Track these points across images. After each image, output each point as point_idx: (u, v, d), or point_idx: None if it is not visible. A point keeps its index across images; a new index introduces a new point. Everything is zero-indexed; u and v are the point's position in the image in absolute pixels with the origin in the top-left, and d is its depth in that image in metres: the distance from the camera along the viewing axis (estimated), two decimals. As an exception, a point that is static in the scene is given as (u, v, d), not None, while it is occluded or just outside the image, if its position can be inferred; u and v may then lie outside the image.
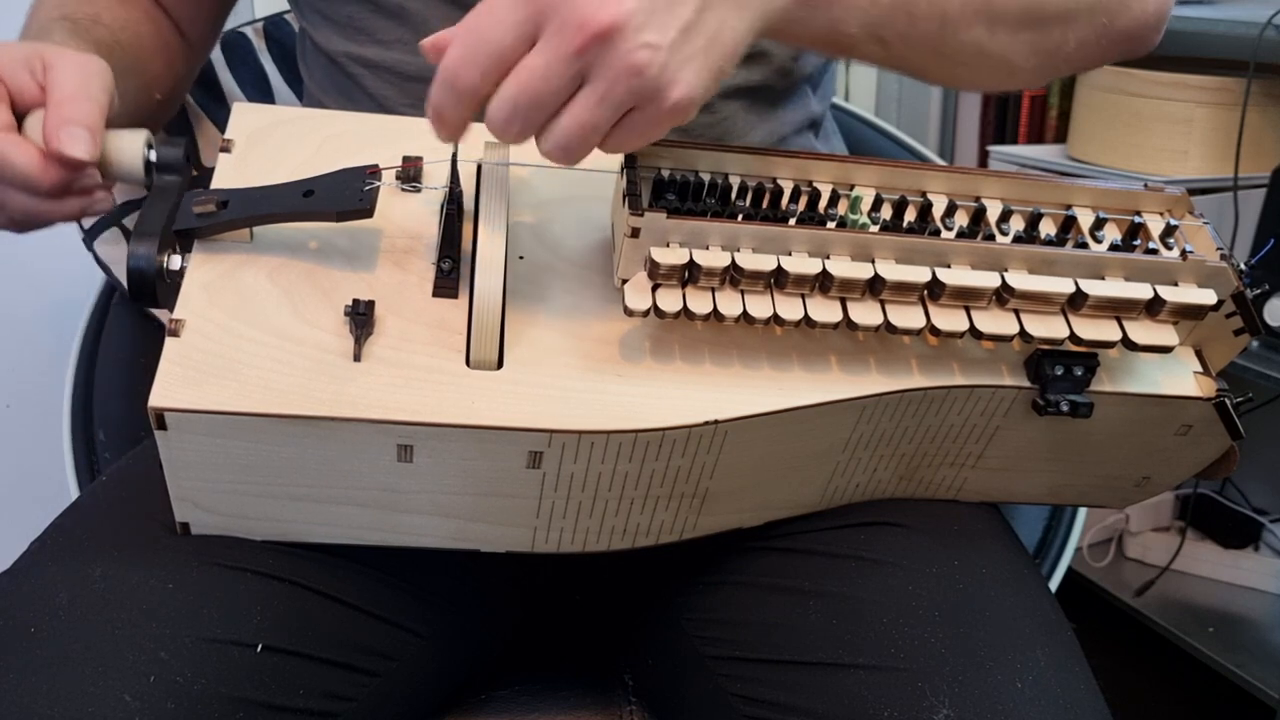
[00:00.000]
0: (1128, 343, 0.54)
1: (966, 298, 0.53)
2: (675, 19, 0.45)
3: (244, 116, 0.61)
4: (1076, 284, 0.53)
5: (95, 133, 0.53)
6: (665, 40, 0.45)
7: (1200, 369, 0.59)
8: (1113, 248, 0.55)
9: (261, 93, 0.92)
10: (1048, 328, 0.53)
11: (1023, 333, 0.53)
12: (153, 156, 0.56)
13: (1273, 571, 1.46)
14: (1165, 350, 0.54)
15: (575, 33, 0.44)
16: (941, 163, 0.98)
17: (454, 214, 0.55)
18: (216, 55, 0.91)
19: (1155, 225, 0.56)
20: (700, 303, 0.52)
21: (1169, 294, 0.54)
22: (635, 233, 0.51)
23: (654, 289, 0.52)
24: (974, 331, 0.53)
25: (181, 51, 0.77)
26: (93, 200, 0.56)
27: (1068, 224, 0.56)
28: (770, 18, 0.50)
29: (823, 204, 0.54)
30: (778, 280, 0.52)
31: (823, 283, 0.52)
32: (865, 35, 0.54)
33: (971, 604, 0.57)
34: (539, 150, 0.48)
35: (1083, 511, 0.89)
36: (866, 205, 0.55)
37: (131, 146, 0.56)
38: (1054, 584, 0.85)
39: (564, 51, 0.44)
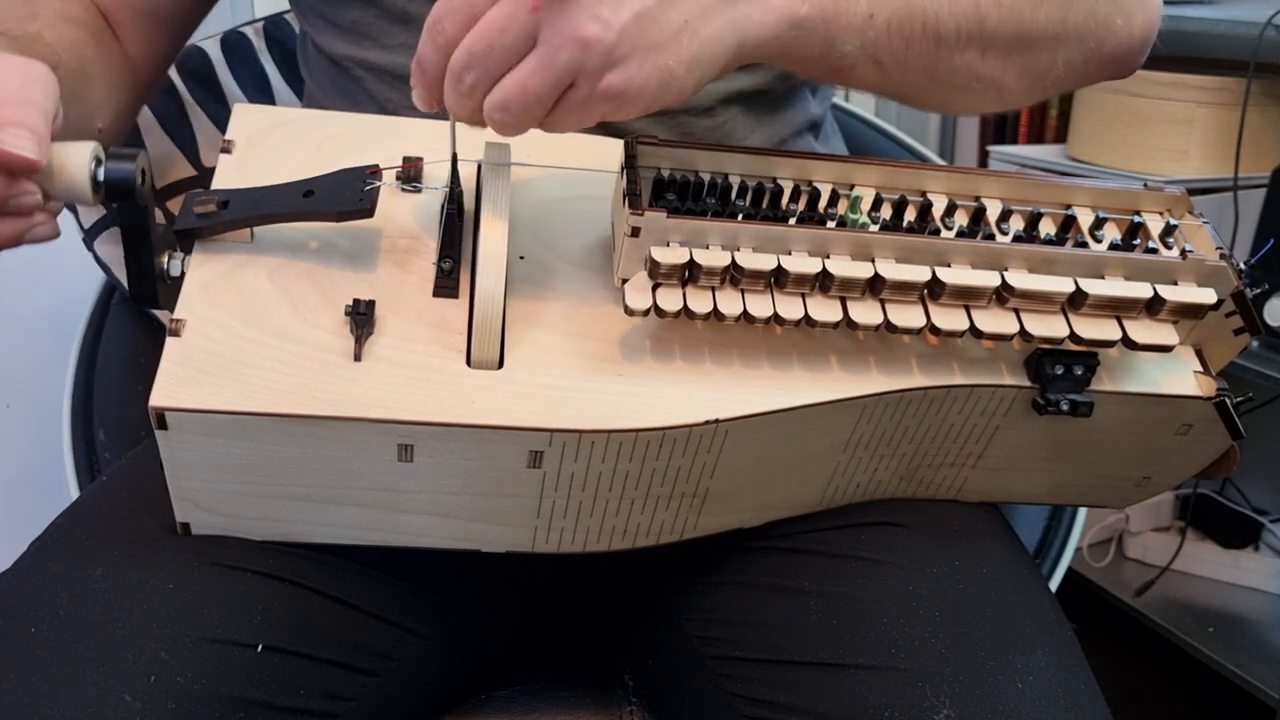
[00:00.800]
0: (1128, 342, 0.54)
1: (966, 297, 0.53)
2: (635, 4, 0.46)
3: (244, 117, 0.61)
4: (1076, 283, 0.53)
5: (40, 137, 0.48)
6: (617, 21, 0.46)
7: (1200, 368, 0.59)
8: (1112, 247, 0.55)
9: (262, 93, 0.92)
10: (1048, 327, 0.53)
11: (1023, 332, 0.53)
12: (101, 174, 0.50)
13: (1273, 571, 1.46)
14: (1165, 349, 0.54)
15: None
16: (941, 163, 0.98)
17: (454, 214, 0.55)
18: (216, 55, 0.91)
19: (1155, 225, 0.56)
20: (700, 302, 0.52)
21: (1169, 293, 0.54)
22: (635, 232, 0.51)
23: (654, 288, 0.52)
24: (974, 331, 0.53)
25: (128, 80, 0.72)
26: (30, 223, 0.51)
27: (1067, 223, 0.56)
28: (753, 36, 0.50)
29: (823, 204, 0.54)
30: (778, 280, 0.52)
31: (823, 282, 0.52)
32: (862, 57, 0.55)
33: (972, 604, 0.57)
34: (483, 112, 0.48)
35: (1083, 511, 0.89)
36: (866, 205, 0.55)
37: (77, 159, 0.50)
38: (1054, 584, 0.85)
39: (521, 5, 0.45)
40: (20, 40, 0.61)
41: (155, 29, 0.74)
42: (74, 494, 0.84)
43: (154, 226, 0.53)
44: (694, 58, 0.48)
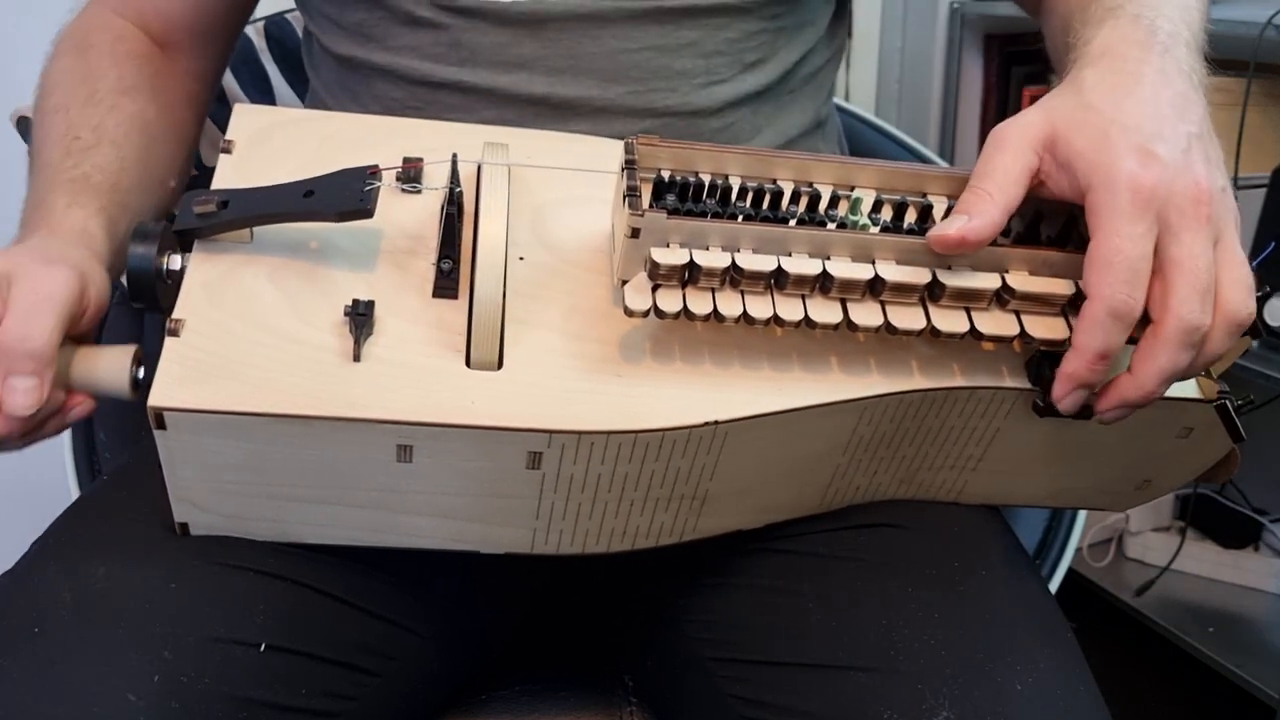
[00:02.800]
0: (1129, 343, 0.54)
1: (967, 299, 0.53)
2: (1216, 158, 0.52)
3: (244, 117, 0.61)
4: (1077, 285, 0.53)
5: (43, 374, 0.53)
6: (1224, 179, 0.52)
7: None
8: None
9: (262, 93, 0.92)
10: (1048, 329, 0.53)
11: (1023, 334, 0.53)
12: (140, 374, 0.55)
13: (1273, 571, 1.46)
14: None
15: (1197, 207, 0.49)
16: (942, 163, 0.98)
17: (454, 214, 0.55)
18: (217, 55, 0.90)
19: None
20: (700, 303, 0.52)
21: (1169, 295, 0.54)
22: (635, 233, 0.51)
23: (654, 289, 0.52)
24: (974, 333, 0.53)
25: (191, 116, 0.76)
26: (65, 413, 0.56)
27: (1069, 224, 0.55)
28: None
29: (823, 205, 0.54)
30: (778, 281, 0.52)
31: (823, 283, 0.52)
32: None
33: (971, 606, 0.57)
34: (1236, 317, 0.51)
35: (1083, 512, 0.89)
36: (867, 207, 0.55)
37: (117, 367, 0.55)
38: (1054, 584, 0.85)
39: (1203, 226, 0.49)
40: (83, 166, 0.64)
41: (211, 44, 0.77)
42: (74, 494, 0.84)
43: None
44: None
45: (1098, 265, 0.49)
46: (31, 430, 0.55)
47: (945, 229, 0.51)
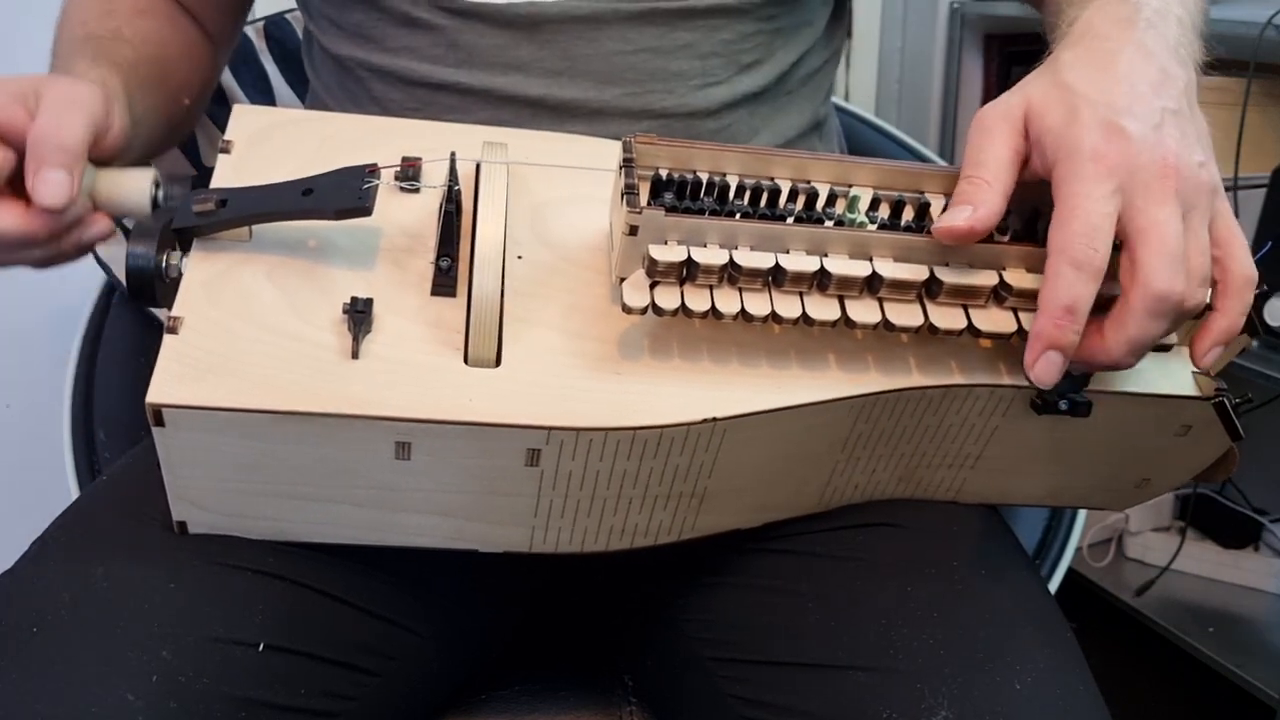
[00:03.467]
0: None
1: (964, 296, 0.53)
2: (1194, 133, 0.51)
3: (243, 118, 0.61)
4: None
5: (73, 168, 0.54)
6: (1203, 154, 0.51)
7: (1199, 369, 0.59)
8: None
9: (262, 93, 0.93)
10: None
11: (1021, 331, 0.53)
12: (160, 196, 0.57)
13: (1273, 571, 1.46)
14: (1164, 349, 0.54)
15: (1164, 182, 0.49)
16: (941, 163, 0.98)
17: (452, 213, 0.55)
18: (217, 55, 0.91)
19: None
20: (698, 300, 0.52)
21: (1167, 293, 0.54)
22: (633, 230, 0.51)
23: (652, 287, 0.52)
24: (972, 330, 0.53)
25: (207, 51, 0.77)
26: (86, 227, 0.57)
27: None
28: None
29: (820, 203, 0.54)
30: (776, 278, 0.52)
31: (821, 281, 0.52)
32: None
33: (970, 605, 0.57)
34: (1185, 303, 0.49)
35: (1083, 512, 0.89)
36: (864, 205, 0.55)
37: (139, 186, 0.57)
38: (1054, 584, 0.85)
39: (1170, 201, 0.49)
40: (104, 40, 0.67)
41: (219, 7, 0.78)
42: (74, 494, 0.84)
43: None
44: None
45: (1057, 224, 0.49)
46: (56, 237, 0.56)
47: (953, 220, 0.51)
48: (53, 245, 0.57)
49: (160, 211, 0.57)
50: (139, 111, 0.64)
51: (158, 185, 0.57)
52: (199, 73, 0.76)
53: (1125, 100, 0.50)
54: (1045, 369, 0.50)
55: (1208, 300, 0.51)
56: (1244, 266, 0.51)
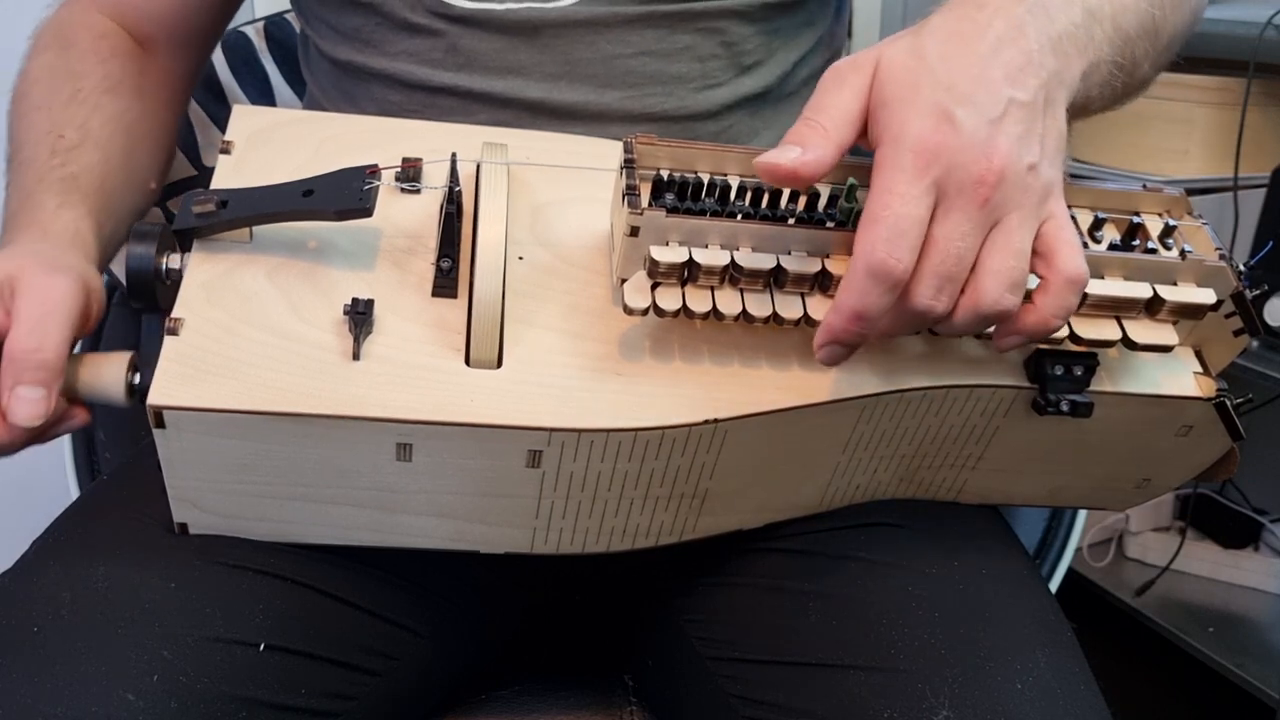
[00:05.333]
0: (1127, 342, 0.54)
1: None
2: (1039, 131, 0.48)
3: (244, 119, 0.61)
4: None
5: (51, 383, 0.52)
6: (1037, 155, 0.48)
7: (1200, 369, 0.59)
8: (1111, 247, 0.55)
9: (263, 93, 0.92)
10: None
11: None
12: (136, 380, 0.54)
13: (1273, 571, 1.46)
14: (1165, 349, 0.54)
15: (976, 188, 0.46)
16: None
17: (453, 214, 0.55)
18: (218, 55, 0.90)
19: (1154, 225, 0.56)
20: (699, 301, 0.52)
21: (1168, 293, 0.54)
22: (634, 231, 0.51)
23: (653, 288, 0.52)
24: (973, 328, 0.53)
25: (172, 115, 0.76)
26: (63, 423, 0.55)
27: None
28: (1073, 101, 0.52)
29: (822, 204, 0.54)
30: (777, 279, 0.52)
31: (822, 282, 0.52)
32: (1100, 100, 0.56)
33: (971, 605, 0.57)
34: (980, 307, 0.48)
35: (1083, 512, 0.89)
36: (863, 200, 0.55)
37: (115, 376, 0.54)
38: (1054, 584, 0.85)
39: (974, 209, 0.46)
40: (70, 152, 0.64)
41: (190, 46, 0.76)
42: (74, 494, 0.84)
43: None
44: (1064, 133, 0.50)
45: (867, 218, 0.47)
46: (32, 440, 0.54)
47: (777, 158, 0.47)
48: (27, 445, 0.55)
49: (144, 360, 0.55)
50: (108, 232, 0.63)
51: (134, 370, 0.55)
52: (164, 150, 0.74)
53: (969, 85, 0.47)
54: (828, 357, 0.49)
55: (1016, 305, 0.48)
56: (1068, 267, 0.48)
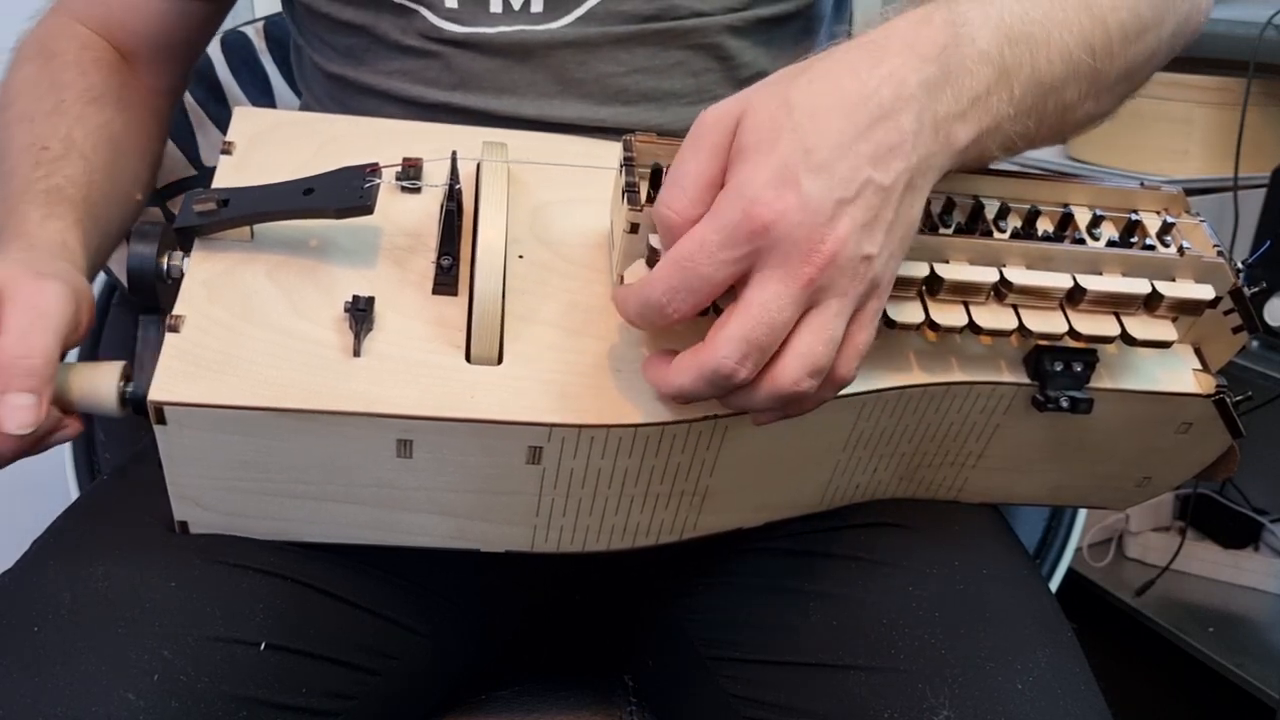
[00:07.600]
0: (1126, 338, 0.54)
1: (965, 293, 0.53)
2: (887, 222, 0.46)
3: (245, 120, 0.61)
4: (1074, 279, 0.53)
5: (41, 389, 0.51)
6: (876, 247, 0.46)
7: (1199, 366, 0.59)
8: (1110, 244, 0.55)
9: (262, 93, 0.93)
10: (1046, 323, 0.53)
11: (1021, 328, 0.53)
12: (129, 389, 0.54)
13: (1273, 571, 1.46)
14: (1164, 345, 0.54)
15: (801, 265, 0.44)
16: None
17: (454, 211, 0.55)
18: (217, 56, 0.91)
19: (1152, 223, 0.56)
20: None
21: (1167, 289, 0.54)
22: (634, 228, 0.51)
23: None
24: (972, 326, 0.53)
25: (156, 126, 0.75)
26: (56, 433, 0.54)
27: (1065, 221, 0.55)
28: (935, 183, 0.50)
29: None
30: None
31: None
32: (1001, 153, 0.53)
33: (971, 605, 0.57)
34: (777, 385, 0.46)
35: (1083, 512, 0.89)
36: None
37: (108, 385, 0.54)
38: (1054, 584, 0.85)
39: (795, 286, 0.44)
40: (55, 163, 0.63)
41: (173, 58, 0.76)
42: (74, 494, 0.84)
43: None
44: (915, 223, 0.48)
45: (664, 259, 0.46)
46: (26, 450, 0.54)
47: (641, 296, 0.47)
48: (21, 456, 0.54)
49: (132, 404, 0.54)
50: (95, 243, 0.63)
51: (126, 379, 0.54)
52: (148, 161, 0.73)
53: (829, 154, 0.44)
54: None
55: (813, 391, 0.47)
56: (840, 368, 0.47)
